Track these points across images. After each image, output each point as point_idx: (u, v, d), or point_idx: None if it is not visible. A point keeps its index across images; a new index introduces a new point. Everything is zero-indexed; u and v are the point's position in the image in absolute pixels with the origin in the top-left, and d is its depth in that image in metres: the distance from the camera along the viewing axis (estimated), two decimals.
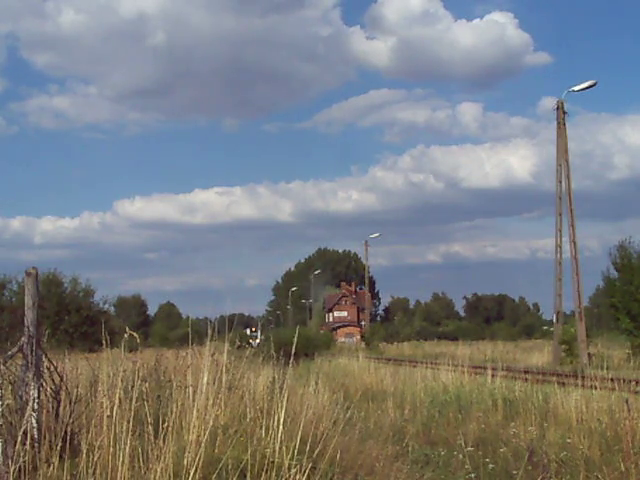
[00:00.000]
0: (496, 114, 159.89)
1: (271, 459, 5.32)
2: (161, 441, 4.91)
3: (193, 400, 5.74)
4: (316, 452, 5.51)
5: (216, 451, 5.43)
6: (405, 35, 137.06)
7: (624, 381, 10.10)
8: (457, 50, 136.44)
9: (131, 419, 4.99)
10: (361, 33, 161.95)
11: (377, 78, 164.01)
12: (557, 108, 29.53)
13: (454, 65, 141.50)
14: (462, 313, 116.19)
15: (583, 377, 11.48)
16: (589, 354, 27.67)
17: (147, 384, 6.10)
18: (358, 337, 72.39)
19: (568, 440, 7.78)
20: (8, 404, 5.40)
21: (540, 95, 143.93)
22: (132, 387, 5.82)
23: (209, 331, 6.70)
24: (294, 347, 6.46)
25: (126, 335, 5.77)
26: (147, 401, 5.38)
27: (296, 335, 6.47)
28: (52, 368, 5.78)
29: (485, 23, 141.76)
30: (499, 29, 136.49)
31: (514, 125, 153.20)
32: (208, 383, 5.85)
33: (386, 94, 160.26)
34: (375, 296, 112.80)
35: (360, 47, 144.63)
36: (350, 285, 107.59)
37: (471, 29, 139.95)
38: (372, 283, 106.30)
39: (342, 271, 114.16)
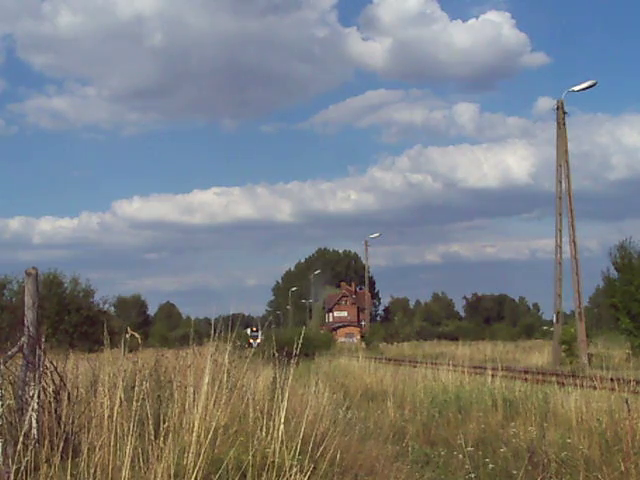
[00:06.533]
0: (493, 115, 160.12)
1: (272, 459, 5.32)
2: (161, 441, 4.91)
3: (194, 400, 5.74)
4: (317, 452, 5.51)
5: (216, 451, 5.43)
6: (401, 36, 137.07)
7: (624, 381, 10.09)
8: (453, 51, 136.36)
9: (132, 419, 4.99)
10: (357, 34, 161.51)
11: (374, 79, 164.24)
12: (557, 108, 29.51)
13: (450, 66, 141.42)
14: (462, 313, 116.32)
15: (583, 377, 11.48)
16: (589, 354, 27.68)
17: (147, 384, 6.09)
18: (358, 337, 72.34)
19: (568, 440, 7.78)
20: (8, 404, 5.40)
21: (537, 96, 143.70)
22: (133, 387, 5.82)
23: (211, 331, 6.69)
24: (297, 347, 6.48)
25: (127, 335, 5.77)
26: (147, 401, 5.38)
27: (301, 335, 6.51)
28: (52, 368, 5.78)
29: (481, 23, 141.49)
30: (495, 29, 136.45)
31: (511, 125, 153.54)
32: (209, 383, 5.85)
33: (383, 95, 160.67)
34: (375, 296, 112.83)
35: (357, 48, 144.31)
36: (350, 285, 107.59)
37: (467, 29, 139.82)
38: (372, 283, 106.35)
39: (342, 271, 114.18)
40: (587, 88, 28.89)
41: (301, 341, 6.60)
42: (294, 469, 5.12)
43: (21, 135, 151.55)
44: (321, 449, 5.80)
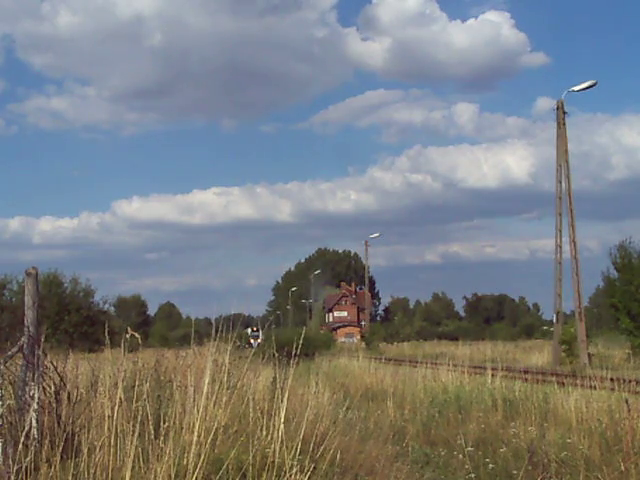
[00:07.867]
0: (492, 115, 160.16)
1: (272, 459, 5.32)
2: (162, 441, 4.91)
3: (194, 400, 5.74)
4: (317, 452, 5.51)
5: (217, 451, 5.43)
6: (400, 36, 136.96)
7: (624, 381, 10.10)
8: (453, 51, 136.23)
9: (132, 419, 4.99)
10: (357, 34, 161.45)
11: (373, 79, 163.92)
12: (557, 108, 29.49)
13: (450, 66, 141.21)
14: (462, 313, 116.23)
15: (583, 377, 11.48)
16: (589, 354, 27.67)
17: (147, 384, 6.10)
18: (358, 337, 72.33)
19: (568, 440, 7.78)
20: (8, 404, 5.40)
21: (536, 96, 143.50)
22: (133, 387, 5.82)
23: (212, 331, 6.68)
24: (298, 347, 6.48)
25: (127, 335, 5.77)
26: (147, 401, 5.38)
27: (301, 336, 6.51)
28: (52, 368, 5.78)
29: (480, 23, 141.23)
30: (495, 29, 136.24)
31: (510, 126, 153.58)
32: (209, 383, 5.85)
33: (383, 95, 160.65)
34: (375, 296, 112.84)
35: (356, 48, 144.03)
36: (350, 285, 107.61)
37: (466, 29, 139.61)
38: (372, 283, 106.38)
39: (342, 271, 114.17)
40: (587, 88, 28.85)
41: (301, 341, 6.60)
42: (294, 469, 5.13)
43: (21, 135, 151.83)
44: (321, 449, 5.80)
